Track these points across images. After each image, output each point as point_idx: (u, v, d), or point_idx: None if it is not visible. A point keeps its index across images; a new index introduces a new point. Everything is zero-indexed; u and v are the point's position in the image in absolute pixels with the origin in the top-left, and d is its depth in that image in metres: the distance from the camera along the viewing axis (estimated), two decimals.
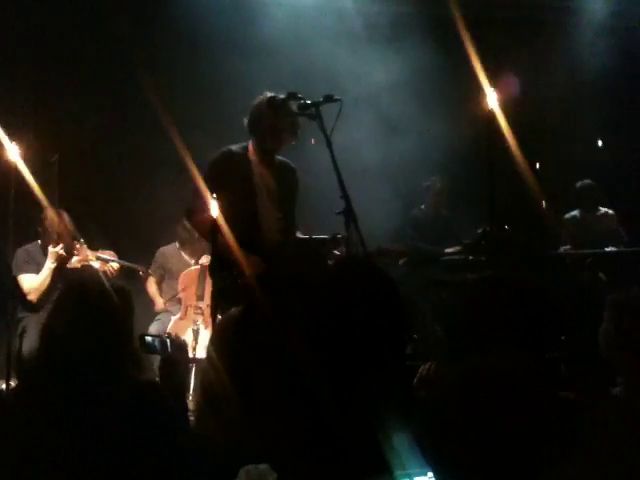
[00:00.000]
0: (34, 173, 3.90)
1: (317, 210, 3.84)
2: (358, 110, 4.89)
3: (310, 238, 3.11)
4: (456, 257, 4.79)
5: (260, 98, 3.28)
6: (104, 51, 5.16)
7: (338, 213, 2.95)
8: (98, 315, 1.82)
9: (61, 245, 4.17)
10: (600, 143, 5.83)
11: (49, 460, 1.70)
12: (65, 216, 4.29)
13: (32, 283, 4.14)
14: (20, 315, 4.09)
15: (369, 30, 5.45)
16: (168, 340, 1.95)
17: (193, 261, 4.88)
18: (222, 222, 3.02)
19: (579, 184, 5.25)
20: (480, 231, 4.78)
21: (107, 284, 1.88)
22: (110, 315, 1.83)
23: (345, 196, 2.92)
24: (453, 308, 2.17)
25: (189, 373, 3.99)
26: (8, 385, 3.24)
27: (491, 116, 3.49)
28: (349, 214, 2.91)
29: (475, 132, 4.79)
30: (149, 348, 1.97)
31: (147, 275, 4.70)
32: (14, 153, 3.67)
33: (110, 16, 4.91)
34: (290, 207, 3.40)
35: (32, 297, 4.12)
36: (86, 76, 5.12)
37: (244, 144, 3.37)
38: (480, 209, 4.96)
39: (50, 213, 4.22)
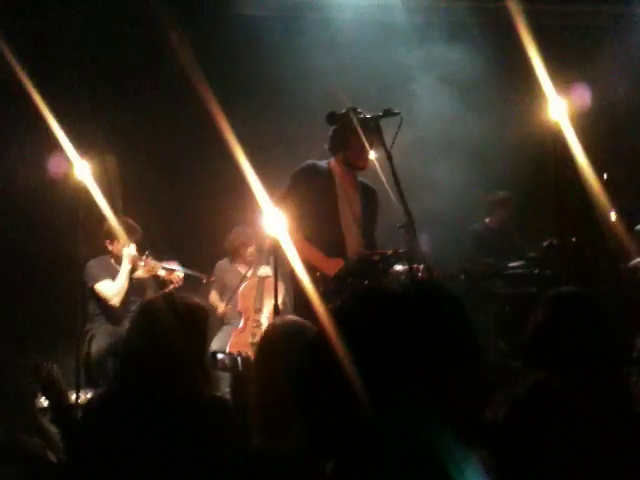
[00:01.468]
0: (100, 187, 4.02)
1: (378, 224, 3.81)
2: (417, 123, 4.85)
3: (371, 253, 3.10)
4: (520, 271, 4.66)
5: (344, 116, 3.21)
6: (172, 68, 5.29)
7: (399, 227, 2.92)
8: (174, 334, 1.85)
9: (134, 246, 4.30)
10: None
11: (126, 471, 1.74)
12: (133, 224, 4.44)
13: (112, 288, 4.28)
14: (88, 326, 4.22)
15: (425, 39, 5.41)
16: (239, 358, 1.97)
17: (249, 271, 4.92)
18: (303, 230, 3.07)
19: None
20: (546, 244, 4.65)
21: (186, 302, 1.91)
22: (186, 334, 1.85)
23: (406, 210, 2.88)
24: (525, 322, 2.11)
25: None
26: (78, 396, 3.34)
27: (557, 126, 3.40)
28: (410, 228, 2.88)
29: (540, 142, 4.68)
30: (220, 365, 2.00)
31: (210, 282, 4.77)
32: (85, 170, 3.81)
33: (173, 32, 5.05)
34: (372, 227, 3.41)
35: (115, 301, 4.26)
36: (152, 91, 5.24)
37: (327, 160, 3.40)
38: (545, 222, 4.84)
39: (120, 221, 4.37)
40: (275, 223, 3.21)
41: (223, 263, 5.04)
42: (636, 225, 5.12)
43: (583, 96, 4.52)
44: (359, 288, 2.93)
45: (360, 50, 5.29)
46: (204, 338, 1.94)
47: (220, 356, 1.99)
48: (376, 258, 2.98)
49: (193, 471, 1.73)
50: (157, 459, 1.74)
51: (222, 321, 4.86)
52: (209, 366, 1.98)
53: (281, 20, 5.41)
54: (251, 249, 4.90)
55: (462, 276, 4.46)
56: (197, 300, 1.97)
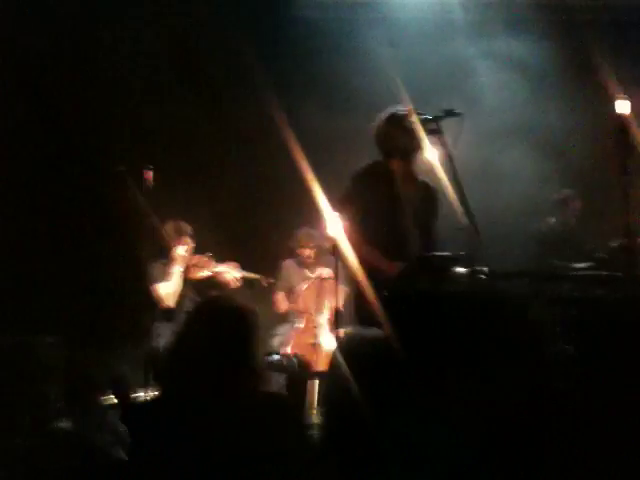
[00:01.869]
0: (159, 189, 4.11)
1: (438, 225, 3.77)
2: (481, 118, 4.77)
3: (432, 255, 3.06)
4: (589, 273, 4.51)
5: (382, 116, 3.28)
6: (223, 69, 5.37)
7: (460, 229, 2.88)
8: (225, 334, 1.93)
9: (185, 247, 4.42)
10: None
11: (189, 469, 1.80)
12: (184, 225, 4.53)
13: (166, 290, 4.41)
14: (156, 325, 4.35)
15: (484, 32, 5.32)
16: (295, 359, 2.02)
17: (312, 274, 4.95)
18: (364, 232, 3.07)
19: None
20: (615, 245, 4.49)
21: (235, 305, 1.97)
22: (236, 334, 1.94)
23: (468, 212, 2.85)
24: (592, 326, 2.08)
25: (313, 388, 4.05)
26: (146, 393, 3.44)
27: (624, 123, 3.27)
28: (472, 230, 2.84)
29: (606, 140, 4.52)
30: (276, 366, 2.05)
31: (269, 285, 4.82)
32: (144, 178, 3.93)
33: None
34: (433, 228, 3.38)
35: (167, 302, 4.39)
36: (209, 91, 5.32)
37: (386, 160, 3.36)
38: (612, 222, 4.67)
39: (169, 225, 4.48)
40: (335, 225, 3.23)
41: (289, 263, 5.08)
42: None
43: None
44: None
45: (420, 47, 5.24)
46: (252, 339, 2.00)
47: (276, 357, 2.04)
48: (435, 261, 2.95)
49: (249, 465, 1.79)
50: (219, 456, 1.81)
51: (284, 320, 4.89)
52: (260, 366, 2.07)
53: (338, 20, 5.42)
54: (309, 252, 4.93)
55: (526, 278, 4.34)
56: (244, 303, 2.04)
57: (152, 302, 4.35)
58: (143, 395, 3.42)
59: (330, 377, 1.79)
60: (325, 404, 1.82)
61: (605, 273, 4.34)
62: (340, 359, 1.83)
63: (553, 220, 5.24)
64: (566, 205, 5.17)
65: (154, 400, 2.21)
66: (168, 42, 5.06)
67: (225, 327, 1.93)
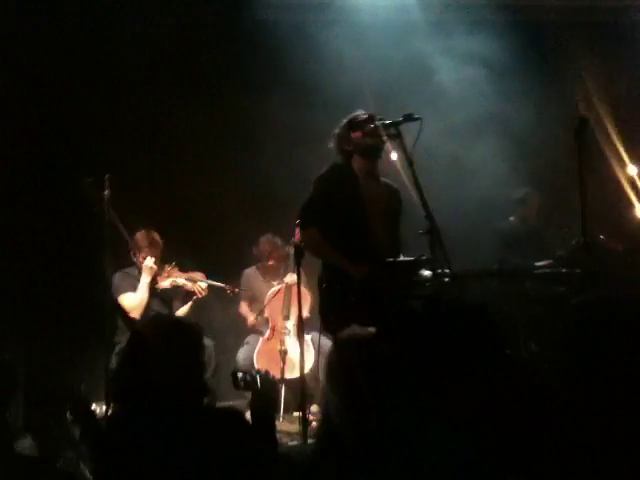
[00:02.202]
0: (125, 197, 4.05)
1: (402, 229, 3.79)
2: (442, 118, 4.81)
3: (397, 261, 3.07)
4: (549, 270, 4.58)
5: (343, 121, 3.29)
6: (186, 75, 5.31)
7: (422, 233, 2.89)
8: (170, 352, 1.92)
9: (154, 259, 4.35)
10: None
11: None
12: (155, 235, 4.47)
13: (133, 301, 4.34)
14: (117, 339, 4.27)
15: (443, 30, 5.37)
16: (258, 376, 2.00)
17: (276, 282, 4.93)
18: (330, 235, 3.06)
19: None
20: (574, 242, 4.56)
21: (177, 322, 1.97)
22: (181, 351, 1.94)
23: (429, 215, 2.87)
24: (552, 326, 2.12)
25: (279, 395, 4.04)
26: (108, 408, 3.38)
27: (582, 123, 3.33)
28: (433, 234, 2.85)
29: (566, 138, 4.60)
30: (241, 384, 2.03)
31: (234, 294, 4.78)
32: (107, 187, 3.85)
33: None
34: (397, 227, 3.38)
35: (135, 314, 4.31)
36: (180, 98, 5.26)
37: (348, 162, 3.36)
38: (573, 220, 4.75)
39: (140, 234, 4.41)
40: (301, 230, 3.22)
41: (251, 271, 5.05)
42: None
43: None
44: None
45: (381, 48, 5.27)
46: (199, 353, 2.00)
47: (240, 375, 2.02)
48: (399, 266, 2.96)
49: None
50: (174, 468, 1.80)
51: (253, 331, 4.86)
52: (207, 381, 2.08)
53: (298, 23, 5.42)
54: (278, 256, 4.91)
55: (489, 277, 4.39)
56: (186, 320, 2.04)
57: (116, 314, 4.27)
58: (104, 412, 3.35)
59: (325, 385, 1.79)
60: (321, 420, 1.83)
61: (565, 271, 4.43)
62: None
63: (512, 219, 5.31)
64: (525, 203, 5.24)
65: (110, 419, 2.19)
66: (129, 47, 4.99)
67: (169, 345, 1.93)
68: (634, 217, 4.81)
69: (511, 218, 5.31)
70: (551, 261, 4.66)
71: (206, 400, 1.99)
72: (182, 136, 5.27)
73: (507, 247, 5.06)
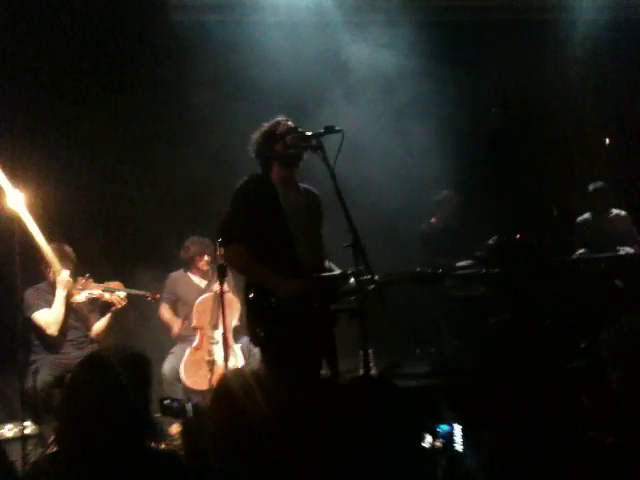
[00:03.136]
0: (34, 212, 3.86)
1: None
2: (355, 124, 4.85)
3: (320, 276, 3.06)
4: (468, 271, 4.72)
5: (259, 130, 3.25)
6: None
7: (346, 246, 2.89)
8: (115, 391, 1.80)
9: (68, 272, 4.15)
10: (607, 142, 5.74)
11: None
12: (67, 248, 4.28)
13: (49, 317, 4.12)
14: (33, 358, 4.07)
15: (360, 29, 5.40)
16: (188, 404, 1.93)
17: (204, 283, 4.84)
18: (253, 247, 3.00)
19: (591, 186, 5.15)
20: (491, 242, 4.72)
21: (124, 355, 1.85)
22: (126, 390, 1.80)
23: (352, 229, 2.85)
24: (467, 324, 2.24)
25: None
26: (24, 427, 3.20)
27: (493, 132, 3.44)
28: (357, 247, 2.85)
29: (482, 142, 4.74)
30: (169, 412, 1.95)
31: (156, 301, 4.65)
32: (18, 199, 3.67)
33: None
34: (319, 234, 3.33)
35: (52, 330, 4.10)
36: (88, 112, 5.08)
37: (266, 172, 3.28)
38: (490, 221, 4.91)
39: (52, 247, 4.20)
40: (224, 247, 3.15)
41: (177, 274, 4.94)
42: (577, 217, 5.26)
43: None
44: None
45: (292, 49, 5.25)
46: (147, 388, 1.89)
47: (167, 402, 1.94)
48: (325, 282, 2.95)
49: None
50: None
51: (178, 340, 4.76)
52: (154, 419, 1.92)
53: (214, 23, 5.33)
54: (206, 259, 4.82)
55: (411, 280, 4.47)
56: (137, 350, 1.92)
57: (28, 333, 4.06)
58: (15, 432, 3.18)
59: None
60: None
61: (484, 271, 4.58)
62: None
63: (433, 220, 5.44)
64: (445, 205, 5.37)
65: (34, 465, 2.05)
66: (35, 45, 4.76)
67: (117, 380, 1.80)
68: (549, 214, 5.01)
69: (432, 219, 5.43)
70: (471, 261, 4.80)
71: (152, 440, 1.88)
72: (99, 139, 5.08)
73: (429, 248, 5.17)
